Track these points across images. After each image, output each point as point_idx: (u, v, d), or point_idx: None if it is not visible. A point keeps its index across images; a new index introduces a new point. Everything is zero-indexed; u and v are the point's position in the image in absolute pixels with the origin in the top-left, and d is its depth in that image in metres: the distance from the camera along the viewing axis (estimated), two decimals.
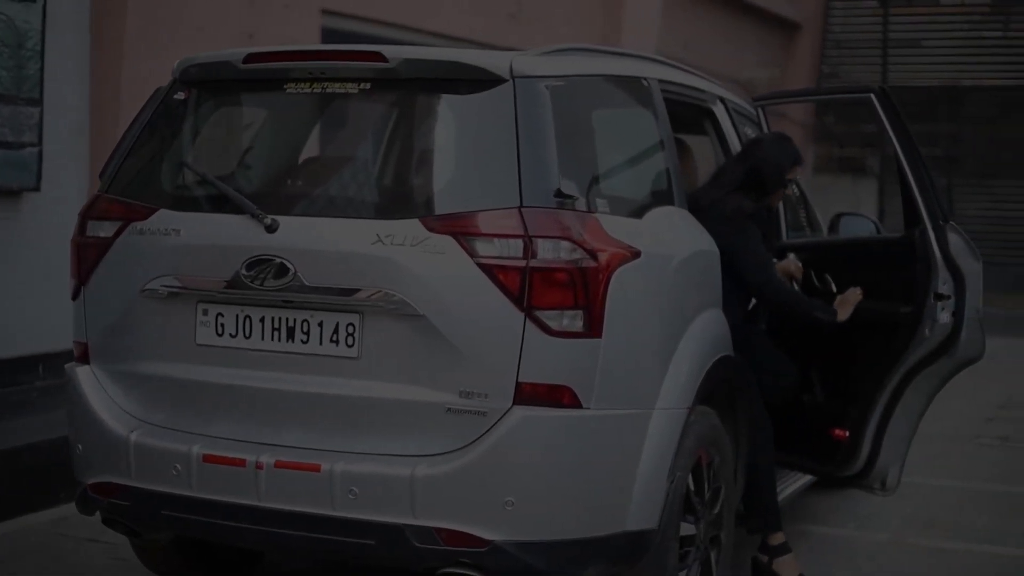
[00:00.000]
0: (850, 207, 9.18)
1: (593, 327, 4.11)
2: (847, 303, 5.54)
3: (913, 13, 22.67)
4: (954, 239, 5.37)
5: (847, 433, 5.69)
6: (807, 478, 6.42)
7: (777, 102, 7.05)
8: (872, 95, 5.60)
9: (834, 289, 5.81)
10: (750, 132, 6.29)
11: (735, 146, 5.97)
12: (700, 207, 5.39)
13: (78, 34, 8.35)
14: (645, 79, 5.00)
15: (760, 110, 6.35)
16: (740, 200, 5.44)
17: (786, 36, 21.96)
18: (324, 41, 10.21)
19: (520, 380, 4.05)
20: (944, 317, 5.35)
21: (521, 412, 4.05)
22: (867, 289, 5.58)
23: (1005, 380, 12.28)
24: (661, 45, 15.47)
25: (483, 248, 4.07)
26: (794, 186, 5.61)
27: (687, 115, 5.81)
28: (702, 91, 5.80)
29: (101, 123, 8.39)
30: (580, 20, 14.77)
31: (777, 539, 5.56)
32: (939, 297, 5.35)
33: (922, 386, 5.57)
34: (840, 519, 6.91)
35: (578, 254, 4.08)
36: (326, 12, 10.59)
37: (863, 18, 23.08)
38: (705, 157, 6.15)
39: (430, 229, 4.11)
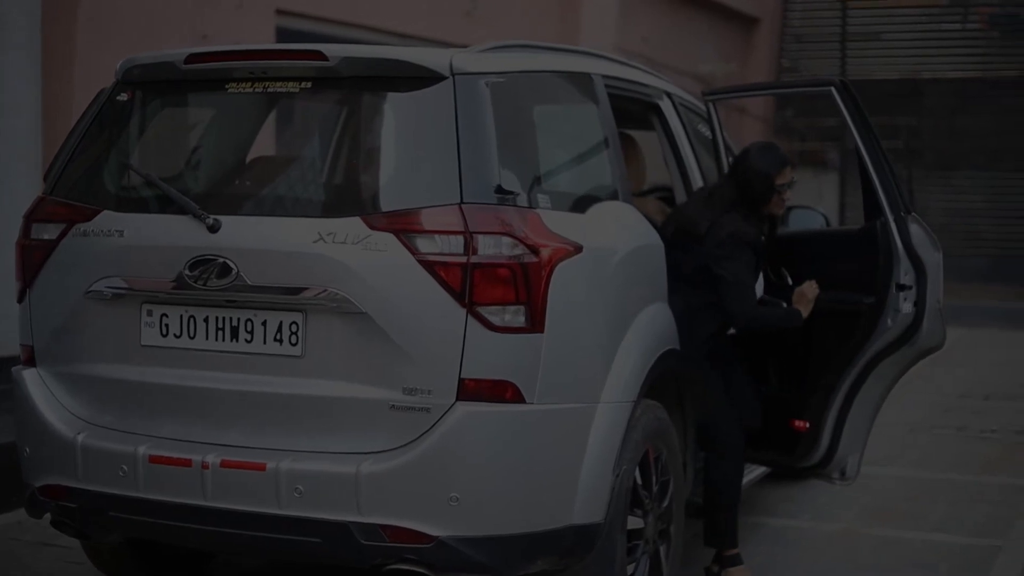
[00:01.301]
0: (812, 201, 9.21)
1: (535, 322, 4.12)
2: (805, 299, 5.53)
3: (872, 6, 22.80)
4: (915, 230, 5.40)
5: (807, 424, 5.69)
6: (761, 469, 6.44)
7: (729, 96, 7.03)
8: (833, 88, 5.60)
9: (790, 282, 5.83)
10: (701, 128, 6.28)
11: (683, 141, 5.96)
12: (699, 231, 5.38)
13: (29, 35, 8.31)
14: (588, 75, 5.01)
15: (711, 105, 6.30)
16: (737, 224, 5.40)
17: (745, 31, 22.03)
18: (279, 41, 10.20)
19: (463, 376, 4.06)
20: (906, 307, 5.37)
21: (464, 408, 4.06)
22: (827, 281, 5.59)
23: (964, 371, 12.39)
24: (619, 41, 15.51)
25: (424, 245, 4.07)
26: (788, 189, 5.59)
27: (633, 110, 5.81)
28: (647, 86, 5.79)
29: (54, 125, 8.35)
30: (537, 17, 14.77)
31: (731, 552, 5.57)
32: (901, 287, 5.37)
33: (882, 375, 5.60)
34: (795, 510, 6.94)
35: (519, 250, 4.09)
36: (280, 12, 10.58)
37: (822, 12, 23.19)
38: (653, 152, 6.15)
39: (372, 227, 4.11)
